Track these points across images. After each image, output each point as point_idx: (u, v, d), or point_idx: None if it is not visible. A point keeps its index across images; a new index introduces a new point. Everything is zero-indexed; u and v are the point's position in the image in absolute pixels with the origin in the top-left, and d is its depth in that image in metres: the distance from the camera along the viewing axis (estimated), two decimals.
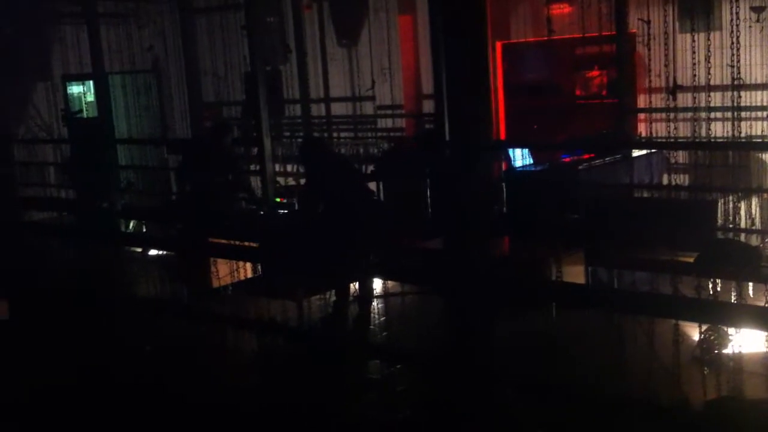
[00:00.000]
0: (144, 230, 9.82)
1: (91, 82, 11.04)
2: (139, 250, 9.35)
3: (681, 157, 8.32)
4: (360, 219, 7.00)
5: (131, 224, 9.84)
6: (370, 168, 9.93)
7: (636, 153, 8.01)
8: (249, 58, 8.26)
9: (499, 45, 10.66)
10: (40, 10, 10.55)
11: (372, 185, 8.42)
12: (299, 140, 9.92)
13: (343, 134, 11.59)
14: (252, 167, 9.75)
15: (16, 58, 9.61)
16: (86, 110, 11.99)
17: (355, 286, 7.29)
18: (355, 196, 7.19)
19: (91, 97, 11.71)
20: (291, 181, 9.84)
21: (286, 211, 8.29)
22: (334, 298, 7.33)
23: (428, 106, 10.88)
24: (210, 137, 8.94)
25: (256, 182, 8.81)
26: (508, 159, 8.19)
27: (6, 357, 7.10)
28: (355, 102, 11.26)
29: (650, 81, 7.67)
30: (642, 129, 8.96)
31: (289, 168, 10.29)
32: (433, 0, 5.63)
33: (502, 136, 10.54)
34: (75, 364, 6.79)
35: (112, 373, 6.58)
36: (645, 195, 7.61)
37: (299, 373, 6.35)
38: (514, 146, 8.42)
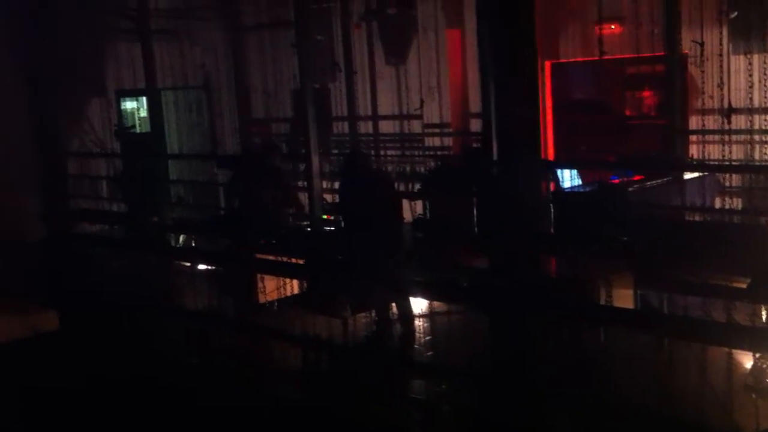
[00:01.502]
0: (193, 244, 9.93)
1: (144, 98, 11.25)
2: (188, 263, 9.45)
3: (734, 179, 8.17)
4: (374, 239, 6.98)
5: (180, 238, 9.96)
6: (417, 186, 9.93)
7: (688, 175, 7.89)
8: (298, 76, 8.33)
9: (547, 64, 10.62)
10: (97, 25, 10.80)
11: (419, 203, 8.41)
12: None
13: (390, 152, 11.62)
14: (300, 184, 9.82)
15: (73, 72, 9.83)
16: (139, 125, 12.21)
17: (393, 305, 7.30)
18: (374, 215, 7.12)
19: (144, 113, 11.92)
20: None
21: (332, 228, 8.32)
22: (375, 317, 7.35)
23: (475, 125, 10.86)
24: (258, 155, 9.05)
25: (303, 198, 8.88)
26: (556, 179, 8.12)
27: (55, 368, 7.22)
28: (402, 120, 11.29)
29: (703, 102, 7.56)
30: (694, 151, 8.82)
31: (336, 185, 10.34)
32: (481, 17, 5.61)
33: (550, 155, 10.47)
34: (121, 374, 6.88)
35: (157, 384, 6.66)
36: (697, 218, 7.48)
37: (343, 391, 6.34)
38: (563, 167, 8.35)
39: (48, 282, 8.24)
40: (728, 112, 6.83)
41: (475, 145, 10.52)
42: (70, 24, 9.07)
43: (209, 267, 8.69)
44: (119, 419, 6.22)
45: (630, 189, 7.52)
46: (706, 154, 8.17)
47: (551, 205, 7.46)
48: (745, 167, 7.58)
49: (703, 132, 8.36)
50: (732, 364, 5.10)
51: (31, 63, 7.88)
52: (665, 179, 7.77)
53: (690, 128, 8.97)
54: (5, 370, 6.95)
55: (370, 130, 11.87)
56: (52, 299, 8.06)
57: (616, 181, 7.88)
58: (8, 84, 8.34)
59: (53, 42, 8.31)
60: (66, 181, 9.64)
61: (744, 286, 6.08)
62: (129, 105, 12.48)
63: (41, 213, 8.50)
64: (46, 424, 6.40)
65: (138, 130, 12.06)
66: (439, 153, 11.11)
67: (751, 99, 6.62)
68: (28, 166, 8.97)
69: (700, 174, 8.00)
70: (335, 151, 11.21)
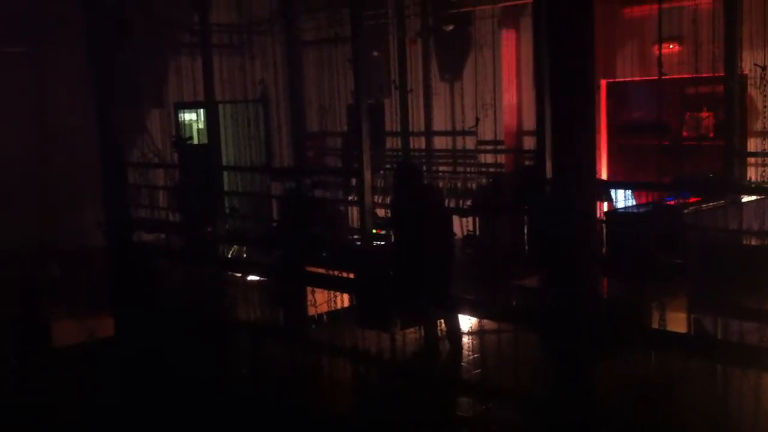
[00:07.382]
0: (244, 255, 10.06)
1: (202, 110, 11.46)
2: (239, 274, 9.58)
3: None
4: (427, 256, 6.97)
5: (232, 249, 10.10)
6: (468, 203, 9.93)
7: (746, 198, 7.74)
8: (353, 91, 8.42)
9: (603, 83, 10.54)
10: (158, 39, 11.07)
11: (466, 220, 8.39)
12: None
13: (442, 168, 11.65)
14: (351, 198, 9.90)
15: (134, 85, 10.07)
16: (197, 137, 12.45)
17: (441, 322, 7.29)
18: (426, 231, 7.12)
19: (201, 125, 12.15)
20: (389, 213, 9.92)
21: (383, 243, 8.36)
22: (424, 332, 7.36)
23: (529, 143, 10.82)
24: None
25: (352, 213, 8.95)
26: (610, 199, 8.04)
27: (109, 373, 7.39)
28: (455, 136, 11.32)
29: (765, 124, 7.43)
30: (752, 173, 8.66)
31: (388, 200, 10.40)
32: (538, 33, 5.61)
33: (604, 175, 10.36)
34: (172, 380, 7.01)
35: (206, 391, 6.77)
36: (754, 242, 7.34)
37: (387, 406, 6.36)
38: (618, 187, 8.27)
39: (106, 289, 8.43)
40: None
41: (527, 162, 10.49)
42: (134, 38, 9.30)
43: (260, 278, 8.80)
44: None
45: (685, 211, 7.41)
46: (764, 177, 8.02)
47: (604, 225, 7.39)
48: None
49: (762, 154, 8.21)
50: None
51: (97, 74, 8.09)
52: (722, 202, 7.64)
53: (749, 150, 8.81)
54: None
55: (424, 146, 11.91)
56: (110, 306, 8.25)
57: (672, 202, 7.78)
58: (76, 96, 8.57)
59: (118, 55, 8.53)
60: (126, 190, 9.84)
61: None
62: (187, 117, 12.73)
63: (101, 222, 8.69)
64: None
65: (196, 141, 12.28)
66: (491, 170, 11.10)
67: None
68: (90, 175, 9.20)
69: (758, 197, 7.84)
70: (387, 166, 11.27)
